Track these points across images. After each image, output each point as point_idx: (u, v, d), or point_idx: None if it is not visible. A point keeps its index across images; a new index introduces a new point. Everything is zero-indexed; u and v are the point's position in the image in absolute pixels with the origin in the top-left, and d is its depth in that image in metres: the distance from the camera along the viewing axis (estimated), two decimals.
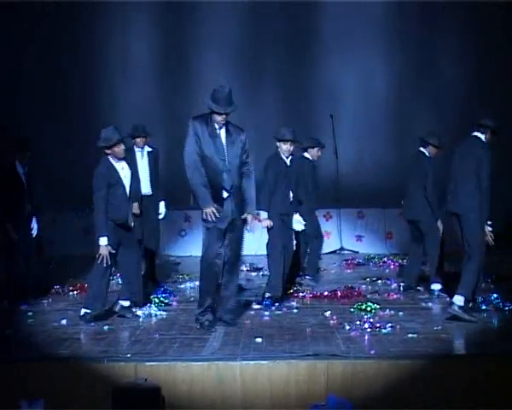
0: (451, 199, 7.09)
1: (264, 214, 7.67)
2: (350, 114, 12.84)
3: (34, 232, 8.05)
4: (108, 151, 7.00)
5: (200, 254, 6.78)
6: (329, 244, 11.67)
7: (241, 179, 6.71)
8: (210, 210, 6.49)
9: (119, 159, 7.06)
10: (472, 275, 6.86)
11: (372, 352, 5.83)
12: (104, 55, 13.06)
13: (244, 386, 5.47)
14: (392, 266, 10.58)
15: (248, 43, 12.93)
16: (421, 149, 8.32)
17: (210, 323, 6.69)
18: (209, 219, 6.51)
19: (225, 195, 6.61)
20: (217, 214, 6.50)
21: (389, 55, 13.07)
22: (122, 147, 7.03)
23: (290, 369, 5.52)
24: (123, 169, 7.10)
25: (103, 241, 6.86)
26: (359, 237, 11.71)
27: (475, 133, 7.08)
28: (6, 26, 12.22)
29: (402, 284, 8.56)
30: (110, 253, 6.92)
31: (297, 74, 12.88)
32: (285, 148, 7.81)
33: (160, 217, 8.88)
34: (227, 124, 6.68)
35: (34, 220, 8.06)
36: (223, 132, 6.65)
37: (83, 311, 7.05)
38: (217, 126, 6.61)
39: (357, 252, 10.99)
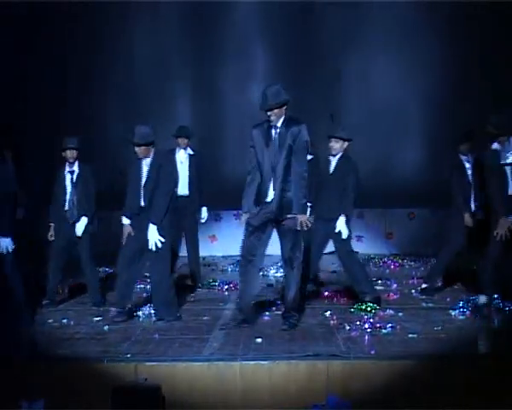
0: None
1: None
2: (350, 113, 12.81)
3: None
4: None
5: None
6: (329, 244, 11.66)
7: (288, 183, 6.43)
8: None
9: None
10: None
11: (372, 352, 5.83)
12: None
13: (244, 386, 5.46)
14: (392, 267, 10.59)
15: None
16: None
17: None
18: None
19: (269, 199, 6.50)
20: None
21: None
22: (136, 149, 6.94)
23: (290, 369, 5.52)
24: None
25: None
26: (359, 238, 11.64)
27: None
28: (10, 30, 12.21)
29: None
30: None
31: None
32: None
33: (202, 221, 9.06)
34: (285, 121, 6.42)
35: None
36: (277, 134, 6.44)
37: None
38: (272, 130, 6.45)
39: (357, 252, 10.93)
